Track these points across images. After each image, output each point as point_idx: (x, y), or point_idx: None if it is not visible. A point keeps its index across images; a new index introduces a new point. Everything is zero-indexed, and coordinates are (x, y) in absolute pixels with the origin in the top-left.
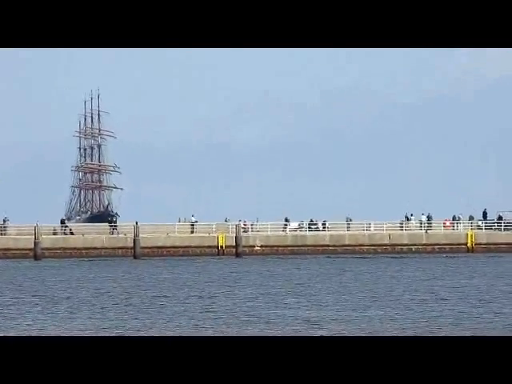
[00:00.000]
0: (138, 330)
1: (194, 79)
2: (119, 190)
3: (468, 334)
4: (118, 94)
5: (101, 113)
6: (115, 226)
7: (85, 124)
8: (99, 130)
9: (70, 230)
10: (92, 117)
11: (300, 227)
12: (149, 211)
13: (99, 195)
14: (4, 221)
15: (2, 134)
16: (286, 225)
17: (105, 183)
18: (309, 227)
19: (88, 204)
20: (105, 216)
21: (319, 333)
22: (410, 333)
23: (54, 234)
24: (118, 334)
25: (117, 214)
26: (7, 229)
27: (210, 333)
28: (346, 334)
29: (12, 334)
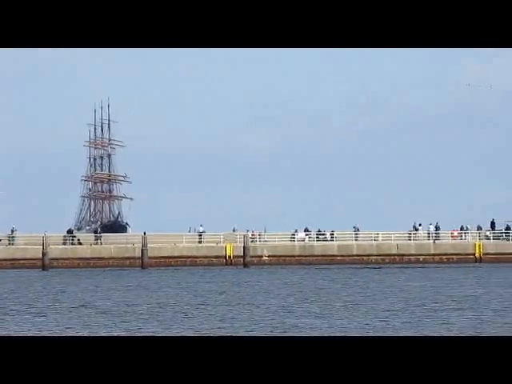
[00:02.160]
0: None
1: (202, 88)
2: (129, 200)
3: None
4: (126, 103)
5: (110, 122)
6: (100, 237)
7: (95, 134)
8: (109, 140)
9: (78, 239)
10: (102, 126)
11: (308, 236)
12: (159, 221)
13: (109, 205)
14: (12, 231)
15: (8, 141)
16: (307, 234)
17: (115, 193)
18: (317, 237)
19: (98, 214)
20: (115, 226)
21: None
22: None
23: (64, 243)
24: (118, 335)
25: (127, 223)
26: (15, 239)
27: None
28: (346, 334)
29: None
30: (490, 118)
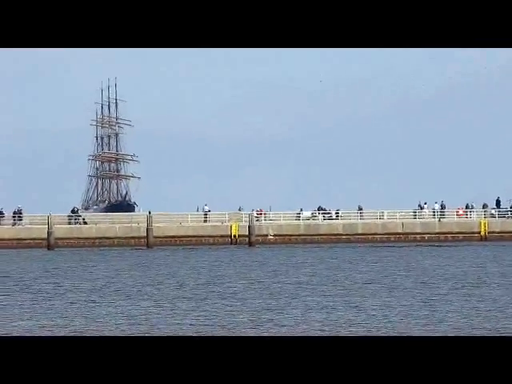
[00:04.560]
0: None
1: (208, 67)
2: (137, 179)
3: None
4: (134, 83)
5: (118, 101)
6: (78, 216)
7: (102, 113)
8: (116, 119)
9: (83, 219)
10: (109, 105)
11: (313, 216)
12: (166, 200)
13: (117, 184)
14: (18, 211)
15: (16, 121)
16: (313, 213)
17: (122, 172)
18: (322, 216)
19: (105, 193)
20: (123, 206)
21: None
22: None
23: (70, 223)
24: (118, 334)
25: (135, 203)
26: (21, 218)
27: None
28: (347, 334)
29: (14, 334)
30: (496, 98)
